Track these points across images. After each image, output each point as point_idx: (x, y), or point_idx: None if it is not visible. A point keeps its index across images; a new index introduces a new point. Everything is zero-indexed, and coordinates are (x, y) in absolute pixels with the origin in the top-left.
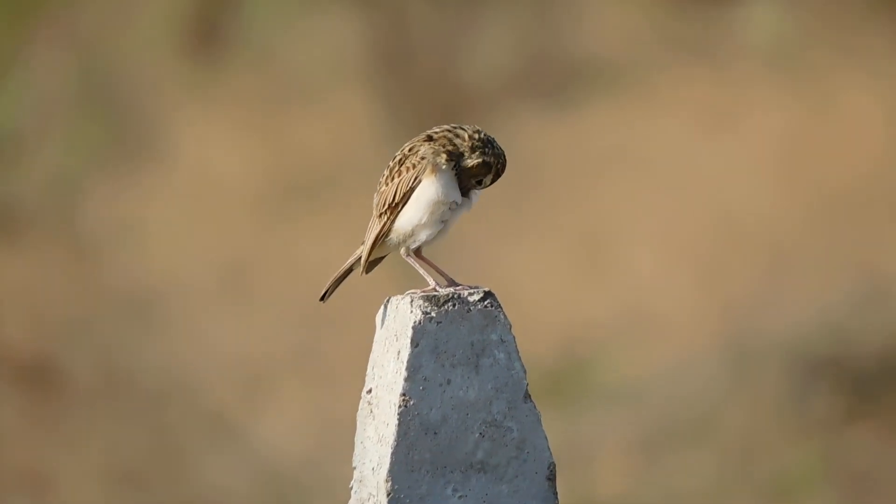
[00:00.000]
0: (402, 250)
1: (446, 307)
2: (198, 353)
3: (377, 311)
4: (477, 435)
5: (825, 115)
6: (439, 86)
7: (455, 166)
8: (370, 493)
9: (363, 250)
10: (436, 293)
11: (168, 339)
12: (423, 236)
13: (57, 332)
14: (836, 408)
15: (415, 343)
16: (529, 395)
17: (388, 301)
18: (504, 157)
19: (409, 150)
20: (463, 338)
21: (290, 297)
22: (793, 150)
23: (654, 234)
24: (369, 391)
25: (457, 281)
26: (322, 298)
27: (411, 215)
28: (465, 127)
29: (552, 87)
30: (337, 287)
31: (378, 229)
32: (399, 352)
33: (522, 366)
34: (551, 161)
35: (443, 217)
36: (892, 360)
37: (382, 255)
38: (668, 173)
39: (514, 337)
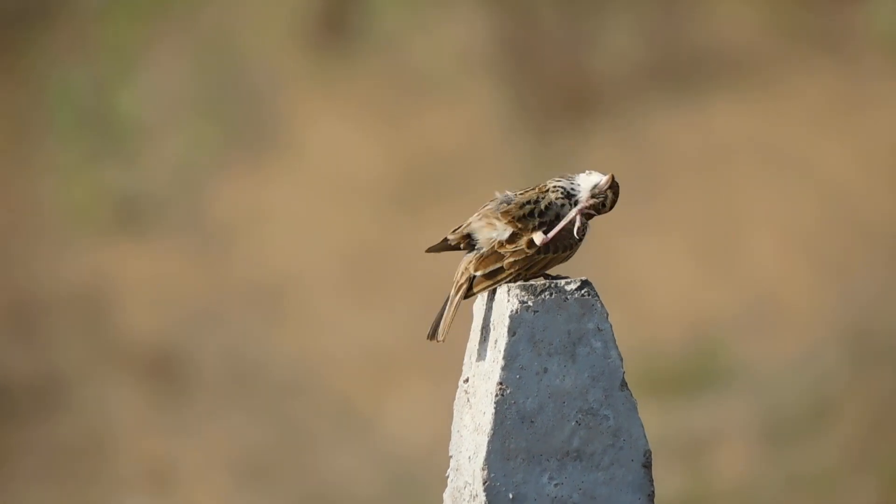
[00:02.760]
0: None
1: (543, 296)
2: (324, 343)
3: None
4: (573, 423)
5: None
6: (567, 77)
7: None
8: (466, 482)
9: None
10: (533, 282)
11: (294, 329)
12: None
13: (184, 324)
14: None
15: (512, 332)
16: (626, 384)
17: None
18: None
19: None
20: (560, 326)
21: (416, 287)
22: None
23: (779, 225)
24: (466, 380)
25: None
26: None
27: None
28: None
29: (679, 78)
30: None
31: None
32: (496, 341)
33: (619, 354)
34: (677, 151)
35: None
36: None
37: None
38: (793, 164)
39: (610, 325)
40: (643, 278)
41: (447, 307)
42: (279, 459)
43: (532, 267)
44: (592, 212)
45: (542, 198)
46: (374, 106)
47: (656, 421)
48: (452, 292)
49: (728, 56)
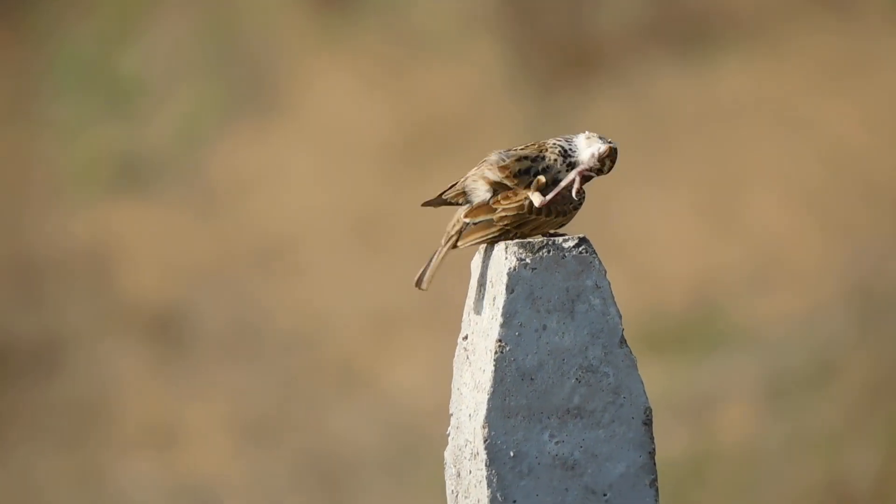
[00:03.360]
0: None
1: (541, 253)
2: (327, 302)
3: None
4: (573, 381)
5: None
6: (570, 35)
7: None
8: (467, 440)
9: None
10: (531, 239)
11: (297, 288)
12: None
13: (187, 283)
14: None
15: (510, 289)
16: (625, 341)
17: (482, 247)
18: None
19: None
20: (558, 284)
21: (419, 245)
22: None
23: (783, 183)
24: (465, 338)
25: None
26: (424, 287)
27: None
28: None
29: (683, 36)
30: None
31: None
32: (494, 298)
33: (618, 311)
34: (681, 109)
35: None
36: None
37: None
38: (798, 123)
39: (609, 282)
40: (647, 236)
41: (435, 256)
42: (282, 418)
43: (523, 225)
44: (592, 174)
45: (542, 157)
46: (377, 65)
47: (659, 379)
48: (443, 241)
49: (733, 14)
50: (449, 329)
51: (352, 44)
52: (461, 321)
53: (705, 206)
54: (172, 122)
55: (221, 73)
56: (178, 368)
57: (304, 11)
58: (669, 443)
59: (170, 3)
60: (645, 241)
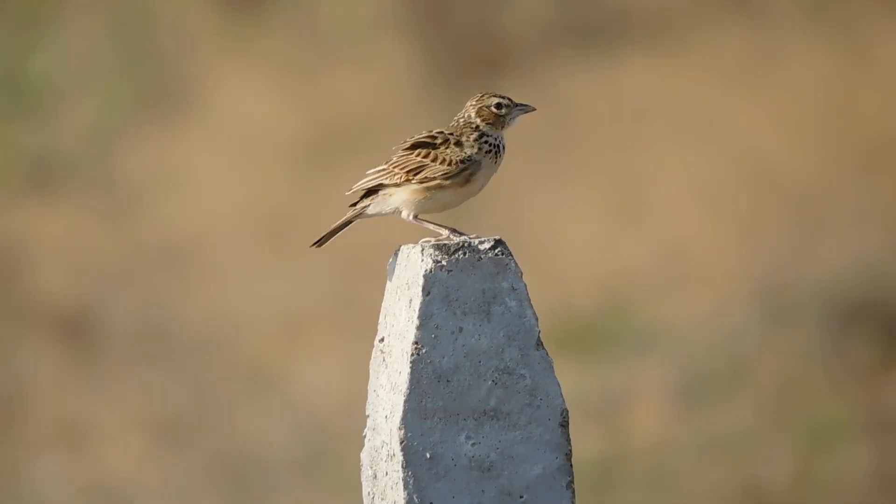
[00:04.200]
0: (410, 214)
1: (457, 255)
2: (237, 303)
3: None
4: (489, 382)
5: (861, 65)
6: (478, 35)
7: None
8: (383, 441)
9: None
10: (448, 242)
11: (207, 289)
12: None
13: (96, 284)
14: (872, 355)
15: (426, 291)
16: (541, 343)
17: (398, 250)
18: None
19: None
20: (474, 286)
21: (330, 248)
22: (828, 100)
23: (691, 184)
24: (381, 340)
25: (462, 232)
26: (317, 244)
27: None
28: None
29: (589, 36)
30: (334, 236)
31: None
32: (411, 300)
33: (534, 313)
34: (588, 109)
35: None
36: None
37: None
38: (705, 123)
39: (525, 284)
40: (555, 236)
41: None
42: (193, 419)
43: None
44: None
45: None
46: (286, 65)
47: (573, 380)
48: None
49: (639, 13)
50: (359, 330)
51: (261, 44)
52: (372, 322)
53: (613, 206)
54: (81, 123)
55: (131, 74)
56: (89, 369)
57: (214, 12)
58: (583, 443)
59: (77, 4)
60: (554, 241)
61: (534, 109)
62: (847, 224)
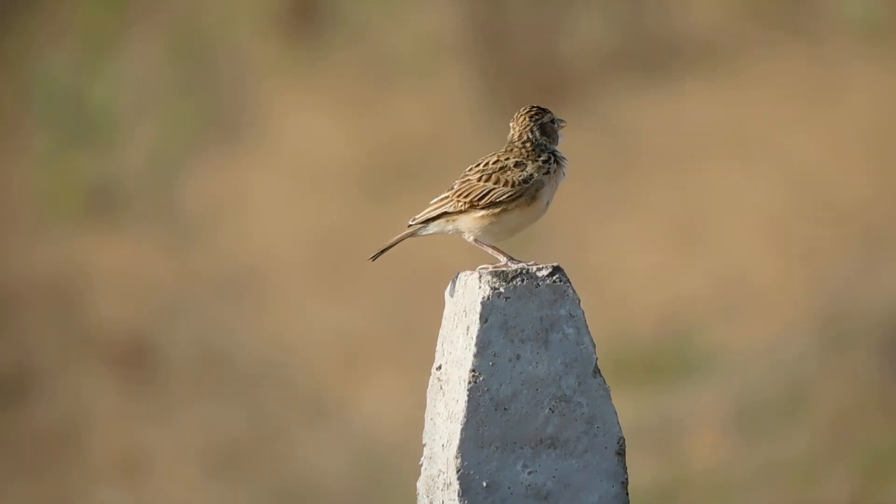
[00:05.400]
0: (472, 237)
1: (515, 282)
2: (295, 331)
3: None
4: (547, 410)
5: None
6: (536, 63)
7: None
8: (440, 470)
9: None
10: (505, 269)
11: (265, 318)
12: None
13: (156, 313)
14: None
15: (484, 319)
16: (599, 370)
17: (456, 277)
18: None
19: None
20: (532, 313)
21: (389, 276)
22: (887, 125)
23: (751, 211)
24: (439, 367)
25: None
26: (373, 258)
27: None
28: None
29: (648, 64)
30: (388, 250)
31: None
32: (468, 328)
33: (591, 340)
34: (648, 137)
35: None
36: None
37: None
38: (764, 150)
39: (583, 311)
40: (615, 264)
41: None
42: (251, 449)
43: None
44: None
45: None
46: (346, 93)
47: (629, 408)
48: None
49: (698, 42)
50: (418, 358)
51: (320, 71)
52: (430, 350)
53: (673, 233)
54: (142, 151)
55: (191, 102)
56: (148, 398)
57: (274, 38)
58: (639, 471)
59: (140, 30)
60: (614, 269)
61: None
62: None
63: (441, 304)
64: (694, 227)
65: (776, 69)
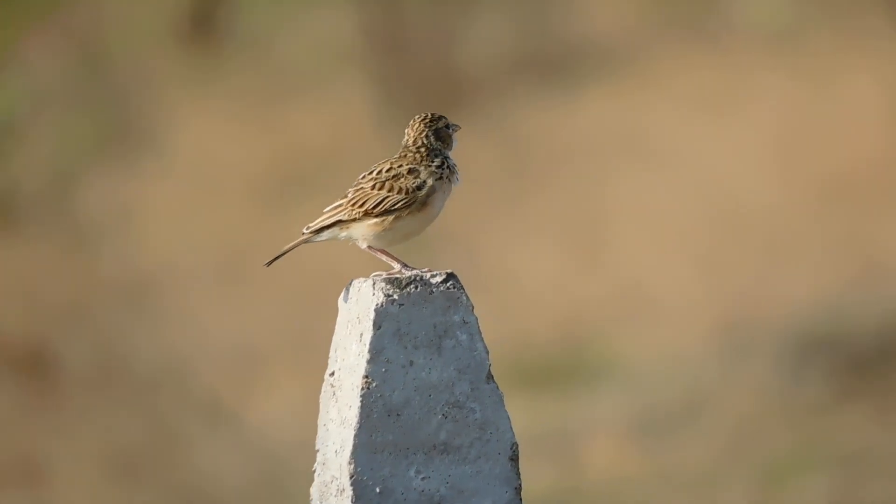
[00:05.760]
0: (366, 244)
1: (408, 289)
2: (193, 339)
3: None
4: (440, 416)
5: (825, 98)
6: (434, 70)
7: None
8: (333, 476)
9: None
10: (399, 276)
11: (163, 325)
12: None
13: (53, 320)
14: (831, 389)
15: (377, 325)
16: (492, 376)
17: (350, 284)
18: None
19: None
20: (425, 320)
21: (286, 283)
22: (792, 133)
23: (652, 218)
24: (332, 374)
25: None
26: (268, 264)
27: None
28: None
29: (547, 69)
30: (282, 256)
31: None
32: (361, 334)
33: (485, 347)
34: (547, 143)
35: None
36: (888, 340)
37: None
38: (667, 157)
39: (476, 318)
40: (513, 270)
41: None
42: (150, 455)
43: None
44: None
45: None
46: (243, 102)
47: (527, 414)
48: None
49: (599, 46)
50: (315, 365)
51: (219, 81)
52: (326, 357)
53: (572, 241)
54: (41, 160)
55: (90, 111)
56: (46, 405)
57: (172, 50)
58: (536, 478)
59: (39, 41)
60: (512, 275)
61: (459, 127)
62: (806, 260)
63: (333, 312)
64: (593, 233)
65: (678, 75)
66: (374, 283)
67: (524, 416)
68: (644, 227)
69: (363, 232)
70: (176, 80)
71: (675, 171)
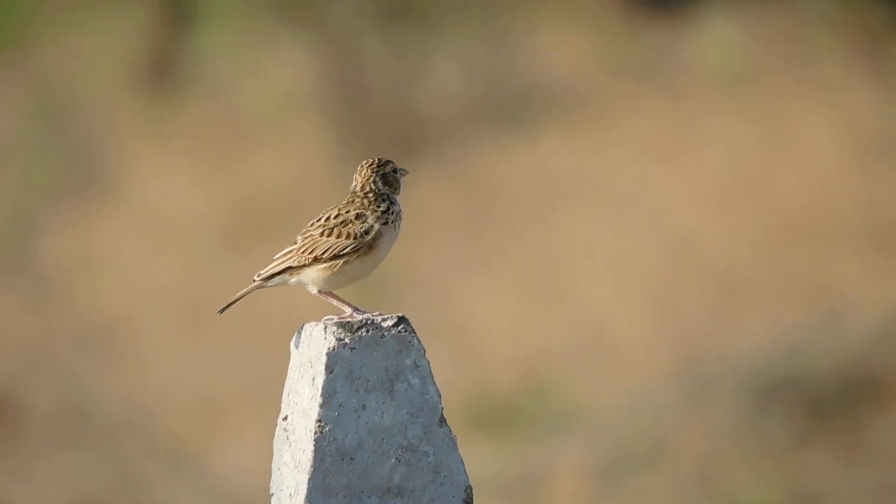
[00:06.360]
0: (316, 289)
1: (360, 333)
2: (155, 385)
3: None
4: (393, 460)
5: (778, 142)
6: (393, 116)
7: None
8: None
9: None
10: (351, 319)
11: (126, 371)
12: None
13: (15, 366)
14: (792, 430)
15: (329, 369)
16: (444, 420)
17: (301, 328)
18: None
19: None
20: (377, 363)
21: (243, 328)
22: (746, 177)
23: (609, 262)
24: (285, 418)
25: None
26: (221, 311)
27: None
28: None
29: (506, 115)
30: (235, 303)
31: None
32: (314, 378)
33: (437, 390)
34: (506, 188)
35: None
36: (847, 381)
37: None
38: (623, 201)
39: (428, 361)
40: (474, 317)
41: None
42: (113, 500)
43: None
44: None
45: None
46: (203, 149)
47: (489, 459)
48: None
49: (557, 92)
50: (272, 409)
51: (178, 128)
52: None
53: (532, 286)
54: (0, 206)
55: (49, 157)
56: (9, 451)
57: (132, 96)
58: None
59: None
60: (473, 322)
61: (407, 171)
62: (763, 300)
63: (286, 357)
64: (552, 278)
65: (633, 118)
66: (325, 327)
67: (485, 460)
68: (602, 271)
69: (313, 277)
70: (136, 127)
71: (632, 214)
